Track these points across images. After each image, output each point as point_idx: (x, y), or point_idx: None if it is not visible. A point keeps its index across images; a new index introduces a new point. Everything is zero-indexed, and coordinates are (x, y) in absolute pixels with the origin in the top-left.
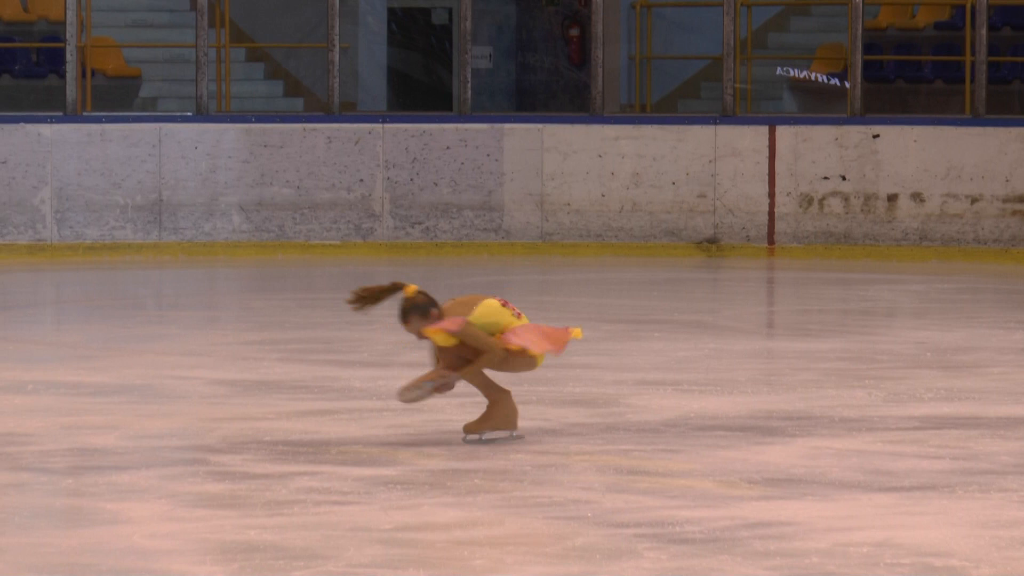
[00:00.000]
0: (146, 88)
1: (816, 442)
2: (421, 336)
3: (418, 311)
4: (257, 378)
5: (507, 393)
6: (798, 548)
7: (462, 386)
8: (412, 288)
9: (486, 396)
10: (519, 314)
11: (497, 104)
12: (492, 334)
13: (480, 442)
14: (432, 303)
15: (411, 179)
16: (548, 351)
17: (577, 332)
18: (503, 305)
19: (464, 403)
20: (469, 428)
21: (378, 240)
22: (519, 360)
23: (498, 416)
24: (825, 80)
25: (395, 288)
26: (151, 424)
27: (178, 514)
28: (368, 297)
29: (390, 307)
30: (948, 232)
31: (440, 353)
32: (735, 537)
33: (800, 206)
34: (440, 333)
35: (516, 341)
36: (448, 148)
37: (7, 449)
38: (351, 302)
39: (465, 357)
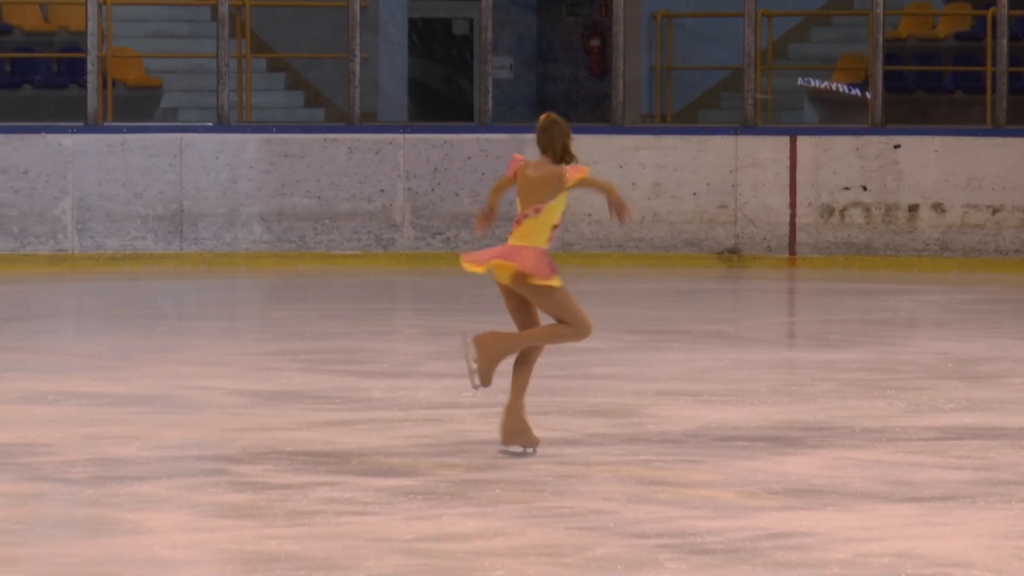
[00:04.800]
0: (167, 98)
1: (837, 453)
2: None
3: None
4: (278, 388)
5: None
6: (819, 559)
7: (482, 395)
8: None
9: (560, 318)
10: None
11: (518, 114)
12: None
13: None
14: None
15: (432, 189)
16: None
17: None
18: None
19: (485, 413)
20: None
21: (399, 250)
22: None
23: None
24: (846, 90)
25: None
26: (172, 434)
27: (199, 524)
28: None
29: (411, 317)
30: (969, 242)
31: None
32: (756, 547)
33: (821, 216)
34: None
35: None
36: (469, 158)
37: (28, 459)
38: None
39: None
